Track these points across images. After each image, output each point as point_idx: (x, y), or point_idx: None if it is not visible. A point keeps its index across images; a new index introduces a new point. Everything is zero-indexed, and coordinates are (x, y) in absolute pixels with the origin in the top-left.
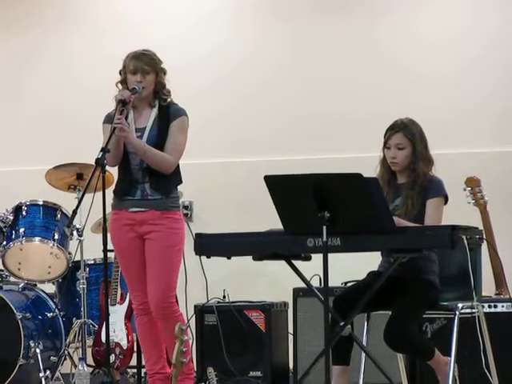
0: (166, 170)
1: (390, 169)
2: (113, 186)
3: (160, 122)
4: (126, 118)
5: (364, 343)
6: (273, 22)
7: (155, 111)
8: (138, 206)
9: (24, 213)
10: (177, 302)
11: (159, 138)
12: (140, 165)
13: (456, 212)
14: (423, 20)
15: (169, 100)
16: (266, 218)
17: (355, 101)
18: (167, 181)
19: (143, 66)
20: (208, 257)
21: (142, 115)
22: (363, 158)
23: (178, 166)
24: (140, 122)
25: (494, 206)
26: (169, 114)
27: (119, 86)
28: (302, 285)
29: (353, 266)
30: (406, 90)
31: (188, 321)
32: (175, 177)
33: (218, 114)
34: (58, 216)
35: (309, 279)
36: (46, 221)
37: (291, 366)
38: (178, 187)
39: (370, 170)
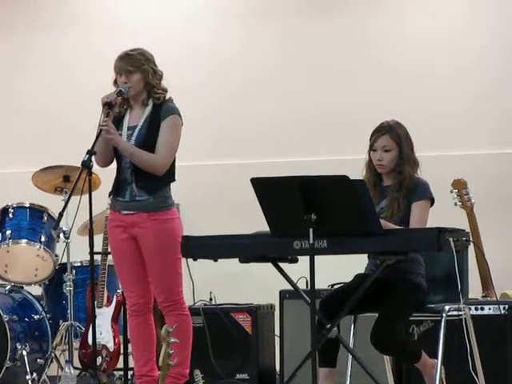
0: (155, 171)
1: (375, 171)
2: (99, 189)
3: (151, 121)
4: (118, 122)
5: (351, 345)
6: (262, 21)
7: (148, 109)
8: (128, 209)
9: (11, 215)
10: None
11: (148, 137)
12: (130, 163)
13: (443, 214)
14: (417, 20)
15: (165, 98)
16: (252, 221)
17: (343, 102)
18: (154, 179)
19: (126, 67)
20: (195, 259)
21: (136, 114)
22: (349, 160)
23: (173, 163)
24: (133, 120)
25: (487, 208)
26: (160, 112)
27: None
28: (289, 287)
29: (339, 269)
30: (397, 92)
31: None
32: (164, 175)
33: (206, 115)
34: (45, 218)
35: (295, 281)
36: (32, 223)
37: (278, 368)
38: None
39: (357, 172)
